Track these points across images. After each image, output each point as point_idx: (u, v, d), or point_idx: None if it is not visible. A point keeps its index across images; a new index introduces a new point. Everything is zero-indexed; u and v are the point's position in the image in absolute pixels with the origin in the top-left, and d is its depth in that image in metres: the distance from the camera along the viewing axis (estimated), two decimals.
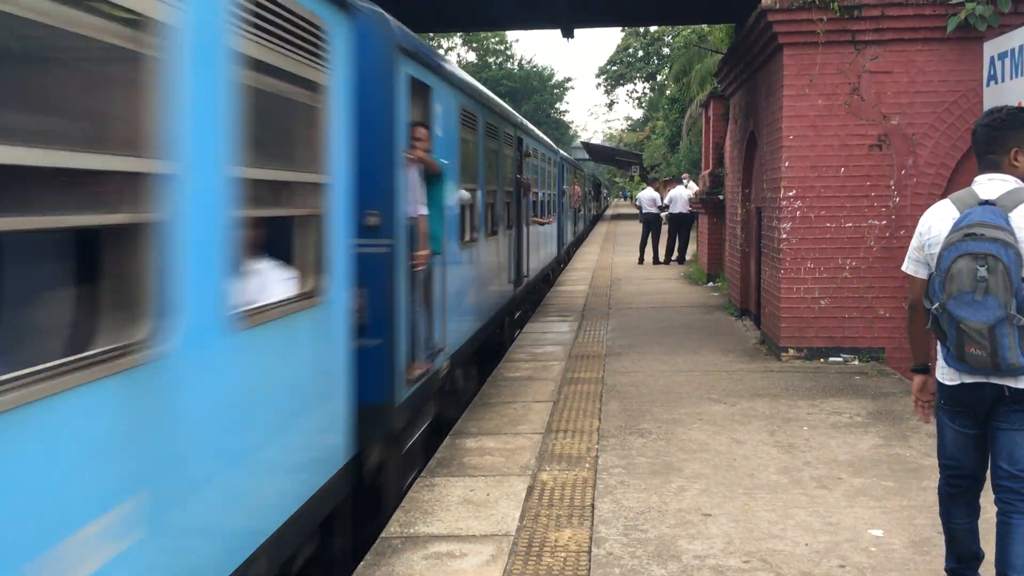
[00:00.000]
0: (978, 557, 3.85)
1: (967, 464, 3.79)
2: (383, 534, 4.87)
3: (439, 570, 4.38)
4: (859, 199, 9.19)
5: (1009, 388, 3.56)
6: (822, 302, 9.22)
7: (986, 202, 3.62)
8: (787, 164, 9.31)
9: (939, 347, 3.75)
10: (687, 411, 7.34)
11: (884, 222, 9.18)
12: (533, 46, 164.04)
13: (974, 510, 3.82)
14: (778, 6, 9.07)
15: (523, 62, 65.47)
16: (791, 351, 9.31)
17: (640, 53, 51.26)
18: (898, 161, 9.18)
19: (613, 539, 4.71)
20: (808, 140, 9.24)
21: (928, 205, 9.55)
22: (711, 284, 16.37)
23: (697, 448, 6.31)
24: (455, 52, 60.32)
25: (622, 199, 73.43)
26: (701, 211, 18.05)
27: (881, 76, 9.18)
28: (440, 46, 55.05)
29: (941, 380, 3.79)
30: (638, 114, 60.76)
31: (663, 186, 22.93)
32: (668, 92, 36.73)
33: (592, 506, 5.19)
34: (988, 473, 3.76)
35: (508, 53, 64.04)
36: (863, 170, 9.23)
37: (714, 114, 16.63)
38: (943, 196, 9.26)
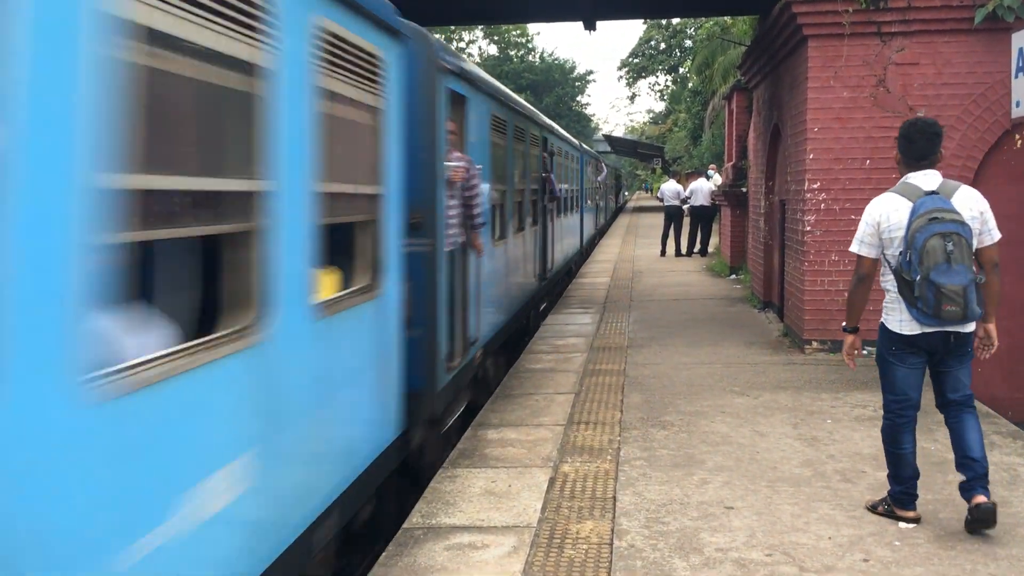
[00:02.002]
0: (917, 475, 4.82)
1: (914, 396, 4.75)
2: (405, 524, 4.89)
3: (461, 561, 4.40)
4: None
5: (956, 334, 4.57)
6: (846, 295, 9.15)
7: (931, 192, 4.52)
8: (811, 156, 9.24)
9: (903, 307, 4.59)
10: (709, 403, 7.31)
11: None
12: (555, 39, 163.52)
13: (914, 436, 4.81)
14: None
15: (544, 55, 65.29)
16: (815, 343, 9.26)
17: (662, 46, 50.99)
18: None
19: (635, 531, 4.71)
20: (833, 132, 9.17)
21: None
22: (734, 276, 16.30)
23: (719, 440, 6.29)
24: (476, 45, 60.29)
25: (644, 192, 73.14)
26: (724, 203, 17.97)
27: (907, 68, 9.09)
28: (461, 39, 55.04)
29: (899, 331, 4.65)
30: (660, 107, 60.48)
31: (685, 178, 22.80)
32: (690, 85, 36.56)
33: (614, 498, 5.19)
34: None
35: (530, 46, 63.88)
36: (889, 163, 9.12)
37: (737, 106, 16.54)
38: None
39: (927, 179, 4.62)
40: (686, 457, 5.94)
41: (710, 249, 21.18)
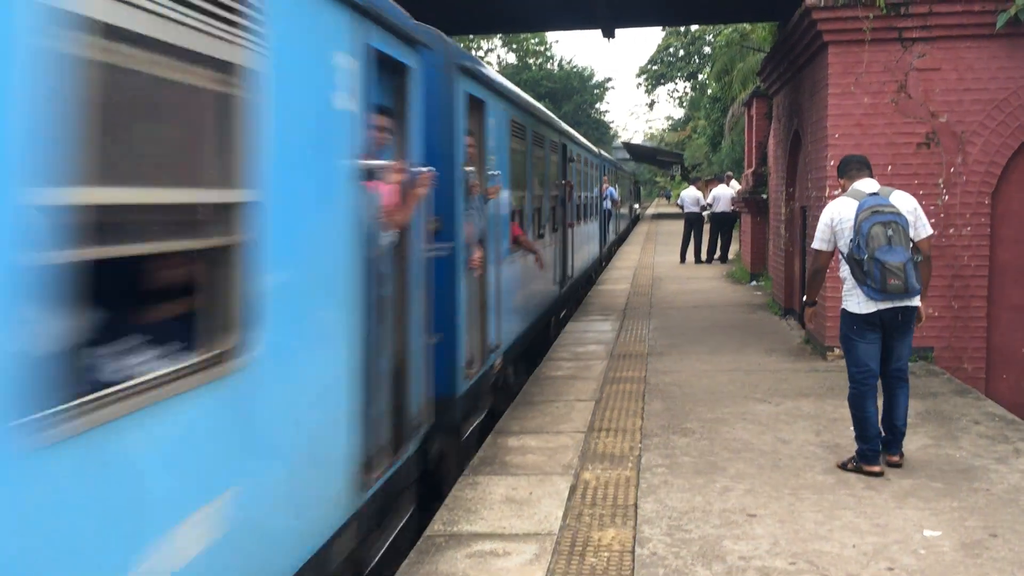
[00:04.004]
0: (879, 434, 5.71)
1: (873, 367, 5.72)
2: (427, 532, 4.90)
3: (482, 569, 4.40)
4: None
5: (903, 309, 5.59)
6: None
7: (872, 194, 5.67)
8: (832, 163, 9.19)
9: (857, 289, 5.62)
10: (731, 410, 7.28)
11: (933, 221, 8.92)
12: (573, 46, 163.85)
13: (876, 402, 5.70)
14: (823, 4, 8.97)
15: (563, 63, 65.29)
16: (837, 350, 9.20)
17: (681, 52, 50.89)
18: (947, 159, 9.04)
19: (657, 539, 4.69)
20: (854, 139, 9.12)
21: (978, 203, 9.44)
22: (754, 283, 16.23)
23: (741, 448, 6.26)
24: (495, 54, 60.37)
25: (664, 199, 72.95)
26: (744, 210, 17.90)
27: (929, 73, 9.04)
28: (480, 48, 55.18)
29: (857, 311, 5.66)
30: (679, 113, 60.42)
31: (705, 185, 22.75)
32: (709, 91, 36.47)
33: (635, 505, 5.17)
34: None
35: (548, 54, 63.89)
36: (911, 168, 9.09)
37: (757, 113, 16.49)
38: (994, 194, 9.12)
39: (867, 185, 5.77)
40: (708, 464, 5.92)
41: (730, 256, 21.10)
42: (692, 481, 5.59)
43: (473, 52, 51.73)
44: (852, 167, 5.98)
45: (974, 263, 9.08)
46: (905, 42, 9.04)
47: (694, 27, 44.10)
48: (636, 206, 48.10)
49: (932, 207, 9.04)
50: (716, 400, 7.66)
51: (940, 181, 9.04)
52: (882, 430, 5.78)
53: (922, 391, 7.91)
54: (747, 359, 9.49)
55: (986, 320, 9.15)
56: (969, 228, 9.03)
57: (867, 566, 4.34)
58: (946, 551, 4.51)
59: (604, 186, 23.26)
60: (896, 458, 5.79)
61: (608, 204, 23.74)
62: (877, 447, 5.67)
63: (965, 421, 6.89)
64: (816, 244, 5.87)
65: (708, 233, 21.55)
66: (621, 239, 30.63)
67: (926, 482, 5.51)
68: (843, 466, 5.76)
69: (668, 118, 75.98)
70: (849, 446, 6.26)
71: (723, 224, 21.09)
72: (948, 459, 5.96)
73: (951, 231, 9.05)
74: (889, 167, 9.11)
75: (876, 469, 5.63)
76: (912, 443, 6.31)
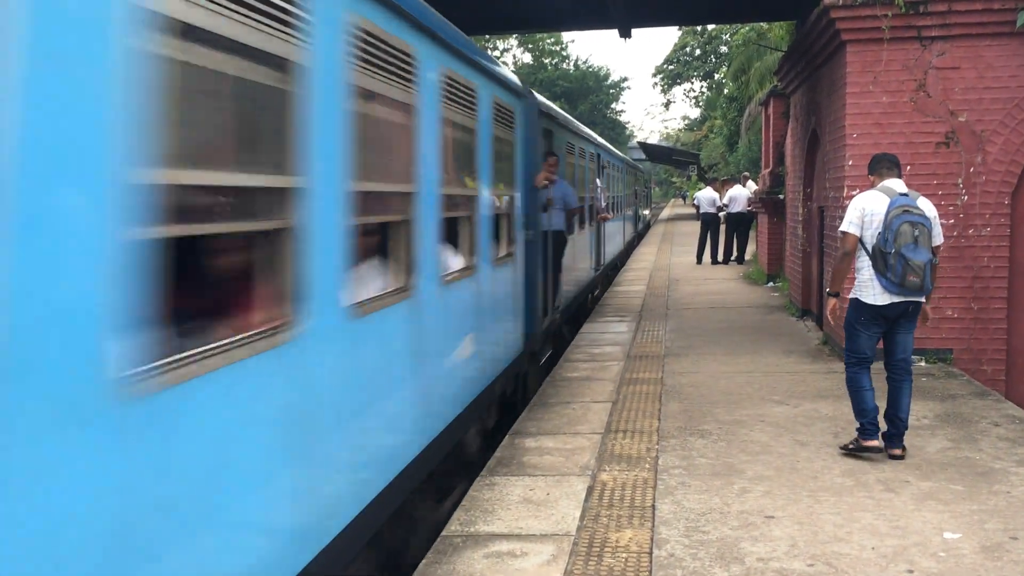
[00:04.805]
0: (876, 410, 6.03)
1: (871, 355, 6.13)
2: (444, 532, 4.90)
3: (500, 569, 4.40)
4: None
5: (912, 304, 5.96)
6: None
7: (903, 194, 5.96)
8: (851, 163, 9.15)
9: (875, 281, 5.92)
10: (748, 412, 7.26)
11: (952, 221, 8.98)
12: (589, 46, 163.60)
13: (870, 380, 6.08)
14: (841, 2, 8.93)
15: (579, 62, 65.29)
16: None
17: (697, 52, 50.77)
18: (966, 159, 8.98)
19: (675, 540, 4.68)
20: (872, 138, 9.08)
21: (997, 203, 9.38)
22: (771, 284, 16.17)
23: (759, 450, 6.24)
24: (511, 54, 60.42)
25: (680, 199, 72.70)
26: (761, 210, 17.84)
27: (948, 72, 8.99)
28: (496, 47, 55.19)
29: (872, 302, 5.97)
30: (695, 113, 60.19)
31: (721, 186, 22.63)
32: (726, 91, 36.35)
33: (653, 507, 5.17)
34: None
35: (564, 54, 63.91)
36: (930, 168, 9.04)
37: (774, 112, 16.41)
38: (1014, 193, 9.05)
39: (898, 184, 6.06)
40: (725, 466, 5.90)
41: (747, 257, 21.03)
42: (709, 483, 5.58)
43: (489, 52, 51.77)
44: (883, 165, 6.21)
45: (993, 264, 9.01)
46: (924, 40, 8.99)
47: (711, 26, 43.98)
48: (646, 212, 41.70)
49: (951, 207, 8.99)
50: (733, 402, 7.64)
51: (959, 181, 8.98)
52: (885, 424, 6.05)
53: (941, 393, 7.86)
54: (764, 361, 9.45)
55: (1006, 322, 9.08)
56: (988, 228, 8.97)
57: (886, 568, 4.31)
58: (966, 554, 4.48)
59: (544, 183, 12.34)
60: (898, 451, 5.97)
61: (555, 218, 10.34)
62: (875, 420, 5.98)
63: (985, 423, 6.84)
64: (845, 227, 6.07)
65: (724, 234, 21.48)
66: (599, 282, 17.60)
67: (945, 484, 5.48)
68: (844, 447, 6.10)
69: (684, 118, 75.71)
70: None
71: (739, 225, 21.01)
72: (968, 461, 5.92)
73: (970, 231, 8.99)
74: (908, 167, 9.04)
75: (874, 443, 5.94)
76: (931, 445, 6.28)
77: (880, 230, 5.87)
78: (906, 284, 5.78)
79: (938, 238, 6.00)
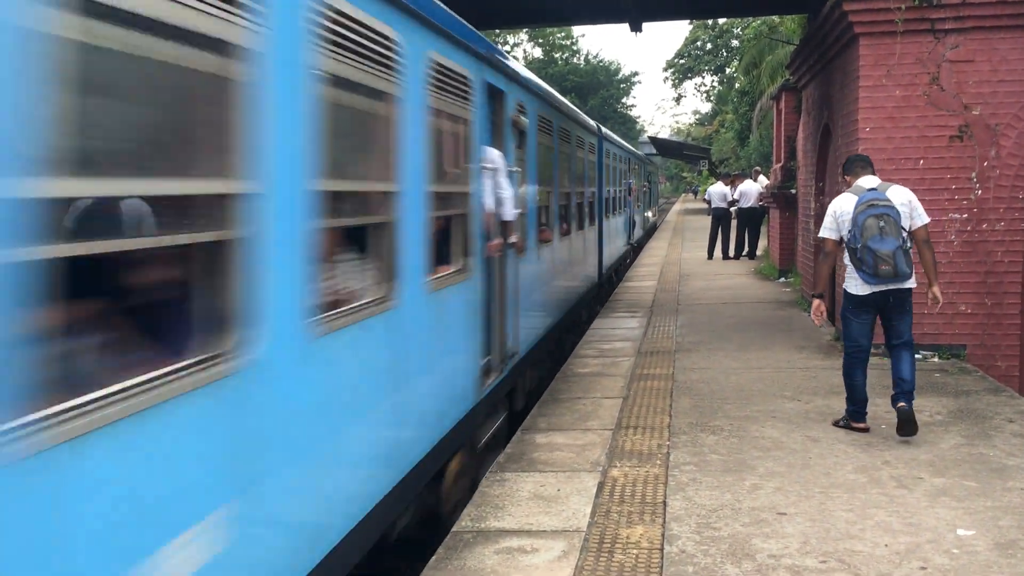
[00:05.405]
0: (866, 399, 6.53)
1: (864, 343, 6.50)
2: (454, 528, 4.90)
3: (511, 565, 4.39)
4: (939, 192, 8.93)
5: (894, 292, 6.30)
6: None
7: (871, 189, 6.38)
8: None
9: (856, 274, 6.33)
10: (760, 408, 7.23)
11: (965, 215, 8.92)
12: (599, 40, 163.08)
13: (865, 372, 6.52)
14: None
15: (589, 57, 65.14)
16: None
17: (708, 46, 50.61)
18: (980, 152, 8.91)
19: (686, 537, 4.66)
20: (885, 132, 9.02)
21: (1012, 197, 9.32)
22: (783, 279, 16.10)
23: (771, 446, 6.21)
24: (521, 48, 60.31)
25: (691, 194, 72.47)
26: (773, 205, 17.76)
27: (962, 65, 8.91)
28: (506, 42, 55.10)
29: (857, 293, 6.39)
30: (706, 108, 60.00)
31: (732, 181, 22.55)
32: (737, 85, 36.23)
33: (664, 503, 5.14)
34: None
35: (574, 48, 63.78)
36: (943, 162, 8.97)
37: (786, 106, 16.33)
38: None
39: (868, 181, 6.48)
40: (737, 462, 5.87)
41: (758, 252, 20.96)
42: (721, 479, 5.55)
43: (499, 46, 51.70)
44: (856, 165, 6.68)
45: (1007, 259, 8.94)
46: (938, 33, 8.92)
47: (722, 20, 43.81)
48: (649, 214, 33.11)
49: (965, 201, 8.92)
50: (745, 398, 7.61)
51: (973, 175, 8.91)
52: (893, 387, 6.44)
53: (954, 389, 7.81)
54: (776, 356, 9.41)
55: (1020, 317, 9.00)
56: (1003, 223, 8.89)
57: (899, 565, 4.28)
58: (980, 551, 4.44)
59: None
60: (903, 404, 6.31)
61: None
62: (864, 409, 6.54)
63: (999, 420, 6.80)
64: (822, 232, 6.63)
65: (735, 229, 21.40)
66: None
67: (959, 481, 5.44)
68: (836, 423, 6.63)
69: (695, 112, 75.50)
70: (880, 444, 6.21)
71: (750, 220, 20.93)
72: (981, 458, 5.87)
73: (984, 226, 8.92)
74: (921, 161, 8.99)
75: (862, 426, 6.50)
76: (944, 442, 6.23)
77: (850, 227, 6.31)
78: (879, 273, 6.19)
79: (918, 219, 6.36)
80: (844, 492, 5.28)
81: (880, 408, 6.72)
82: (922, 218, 6.42)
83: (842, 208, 6.44)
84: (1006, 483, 5.37)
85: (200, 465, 2.65)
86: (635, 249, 24.57)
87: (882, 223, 6.19)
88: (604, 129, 16.96)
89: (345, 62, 3.74)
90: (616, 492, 5.36)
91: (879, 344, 7.09)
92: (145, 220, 2.59)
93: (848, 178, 6.68)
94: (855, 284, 6.40)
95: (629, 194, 22.05)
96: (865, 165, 6.65)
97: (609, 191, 16.95)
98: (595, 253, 14.55)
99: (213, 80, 2.73)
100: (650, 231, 31.36)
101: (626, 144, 23.30)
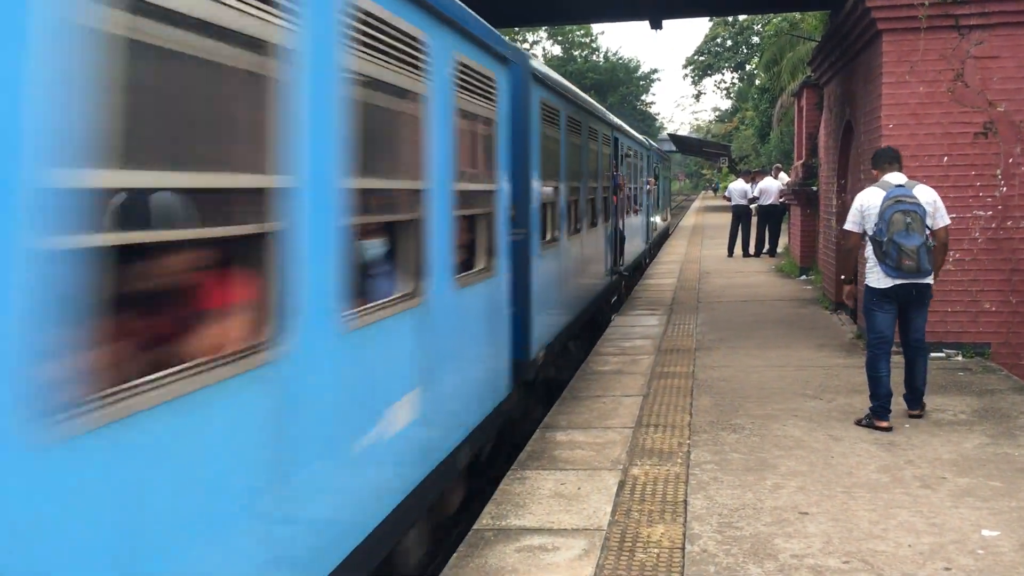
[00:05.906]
0: (890, 394, 6.53)
1: (888, 334, 6.60)
2: (475, 526, 4.90)
3: (532, 563, 4.39)
4: (963, 189, 8.86)
5: (916, 286, 6.46)
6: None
7: (899, 186, 6.48)
8: None
9: (878, 267, 6.46)
10: (781, 407, 7.19)
11: (990, 213, 8.83)
12: (619, 38, 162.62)
13: (888, 366, 6.57)
14: None
15: (608, 54, 64.97)
16: None
17: (728, 43, 50.40)
18: (1005, 149, 8.82)
19: (707, 536, 4.65)
20: (909, 129, 8.94)
21: None
22: (804, 277, 16.01)
23: (792, 445, 6.18)
24: (540, 46, 60.25)
25: (711, 191, 72.18)
26: (794, 202, 17.66)
27: (986, 61, 8.83)
28: (525, 40, 55.05)
29: (877, 286, 6.51)
30: (726, 104, 59.73)
31: (752, 178, 22.42)
32: (758, 82, 36.05)
33: (685, 502, 5.13)
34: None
35: (593, 46, 63.62)
36: (968, 159, 8.89)
37: (807, 103, 16.23)
38: None
39: (896, 177, 6.57)
40: (758, 461, 5.84)
41: (779, 249, 20.85)
42: (742, 478, 5.53)
43: (518, 44, 51.68)
44: (884, 159, 6.76)
45: None
46: (962, 29, 8.84)
47: (742, 17, 43.60)
48: (656, 219, 26.10)
49: (989, 199, 8.84)
50: (766, 396, 7.57)
51: (998, 172, 8.83)
52: (905, 389, 6.80)
53: (979, 388, 7.74)
54: (797, 354, 9.36)
55: None
56: None
57: (923, 566, 4.25)
58: (1005, 551, 4.40)
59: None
60: (916, 411, 6.73)
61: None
62: (888, 404, 6.50)
63: (1021, 420, 6.73)
64: (847, 225, 6.76)
65: (756, 226, 21.29)
66: None
67: (984, 481, 5.39)
68: (858, 422, 6.60)
69: (715, 109, 75.19)
70: (904, 443, 6.16)
71: (771, 217, 20.82)
72: (1006, 458, 5.82)
73: (1008, 224, 8.83)
74: (945, 158, 8.91)
75: (885, 424, 6.46)
76: (969, 441, 6.18)
77: (876, 221, 6.43)
78: (903, 267, 6.35)
79: (940, 220, 6.51)
80: (867, 492, 5.25)
81: (902, 407, 6.67)
82: (944, 219, 6.54)
83: (869, 202, 6.52)
84: None
85: (243, 443, 2.80)
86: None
87: (909, 219, 6.32)
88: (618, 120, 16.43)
89: (375, 62, 3.78)
90: (637, 491, 5.35)
91: (896, 342, 7.04)
92: (187, 214, 2.65)
93: (875, 172, 6.75)
94: (877, 277, 6.51)
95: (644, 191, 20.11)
96: (893, 160, 6.72)
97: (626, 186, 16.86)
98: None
99: (252, 78, 2.80)
100: (657, 243, 24.89)
101: (638, 135, 20.45)
